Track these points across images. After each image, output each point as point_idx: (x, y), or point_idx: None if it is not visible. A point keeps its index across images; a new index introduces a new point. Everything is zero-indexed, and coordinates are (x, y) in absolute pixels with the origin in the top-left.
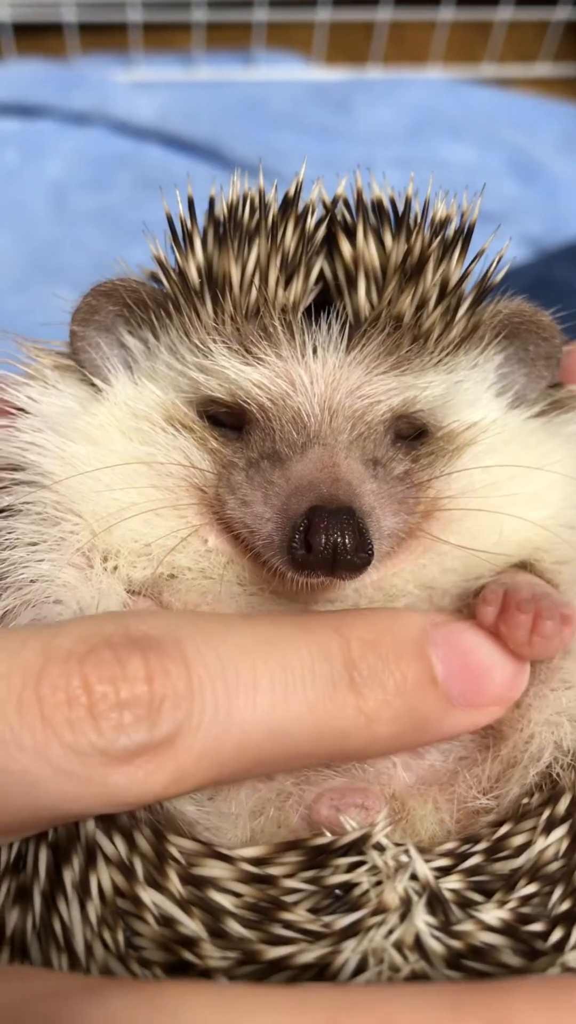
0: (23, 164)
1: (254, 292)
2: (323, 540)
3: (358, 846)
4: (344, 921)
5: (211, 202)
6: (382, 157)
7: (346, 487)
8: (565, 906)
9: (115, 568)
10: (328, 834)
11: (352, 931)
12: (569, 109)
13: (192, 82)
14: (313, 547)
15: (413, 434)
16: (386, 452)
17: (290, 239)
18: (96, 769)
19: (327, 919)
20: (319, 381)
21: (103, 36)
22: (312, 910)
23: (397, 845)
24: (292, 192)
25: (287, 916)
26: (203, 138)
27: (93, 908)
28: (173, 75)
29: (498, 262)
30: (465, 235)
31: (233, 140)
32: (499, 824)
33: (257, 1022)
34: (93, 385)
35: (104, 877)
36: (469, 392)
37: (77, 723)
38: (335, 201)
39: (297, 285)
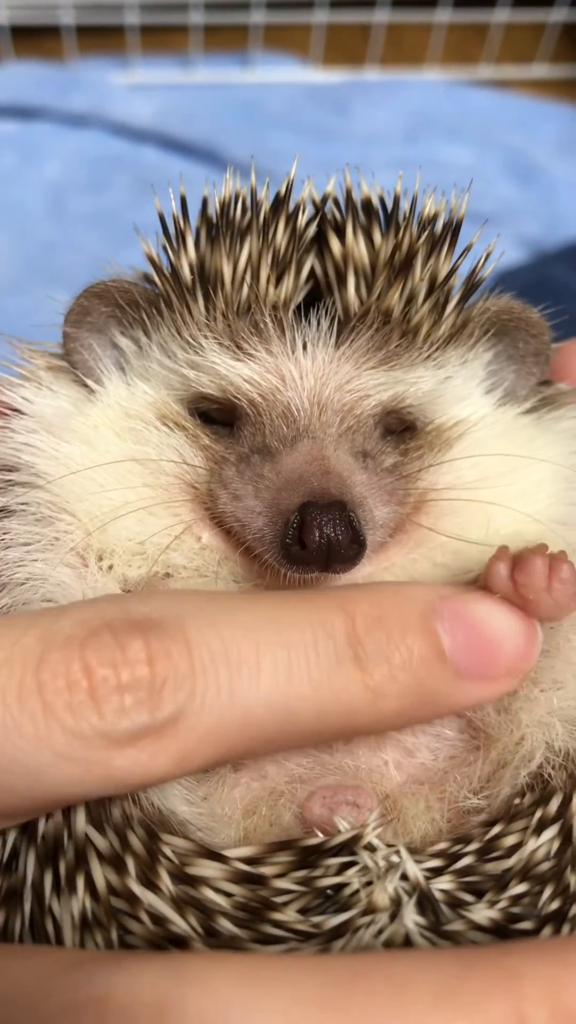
0: (21, 166)
1: (245, 289)
2: (317, 536)
3: (349, 847)
4: (334, 921)
5: (204, 202)
6: (379, 158)
7: (336, 479)
8: (555, 905)
9: (110, 567)
10: (320, 834)
11: (341, 931)
12: (566, 110)
13: (190, 84)
14: (307, 544)
15: (402, 428)
16: (375, 445)
17: (281, 237)
18: (99, 753)
19: (317, 919)
20: (308, 376)
21: (101, 38)
22: (302, 910)
23: (389, 846)
24: (283, 191)
25: (277, 916)
26: (201, 140)
27: (86, 906)
28: (171, 77)
29: (486, 258)
30: (453, 231)
31: (231, 142)
32: (491, 824)
33: (280, 989)
34: (87, 386)
35: (97, 875)
36: (458, 388)
37: (78, 707)
38: (325, 200)
39: (288, 282)
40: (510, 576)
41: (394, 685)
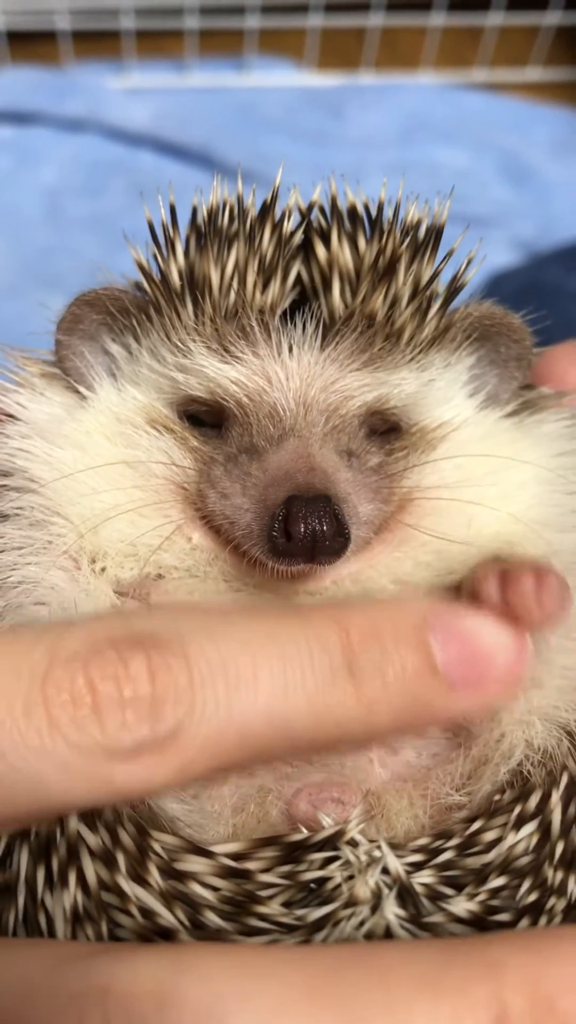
0: (17, 171)
1: (233, 294)
2: (301, 528)
3: (332, 842)
4: (316, 914)
5: (194, 211)
6: (374, 162)
7: (321, 475)
8: (533, 897)
9: (103, 570)
10: (304, 830)
11: (323, 923)
12: (560, 113)
13: (185, 88)
14: (292, 535)
15: (386, 430)
16: (360, 445)
17: (267, 244)
18: (101, 766)
19: (300, 912)
20: (294, 377)
21: (96, 43)
22: (286, 903)
23: (371, 841)
24: (269, 199)
25: (262, 909)
26: (196, 144)
27: (78, 900)
28: (166, 81)
29: (468, 264)
30: (435, 236)
31: (226, 146)
32: (471, 820)
33: (272, 979)
34: (79, 392)
35: (89, 871)
36: (442, 391)
37: (82, 722)
38: (311, 207)
39: (274, 287)
40: (500, 596)
41: (387, 698)
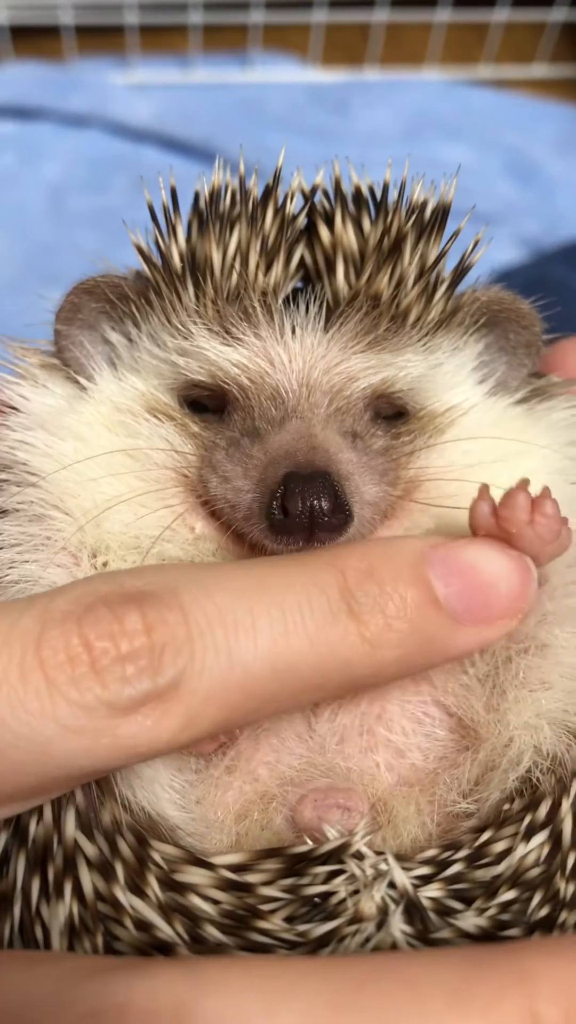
0: (21, 166)
1: (235, 276)
2: (299, 503)
3: (337, 855)
4: (320, 930)
5: (196, 195)
6: (379, 158)
7: (322, 453)
8: (544, 911)
9: (105, 564)
10: (309, 841)
11: (327, 940)
12: (566, 110)
13: (189, 84)
14: (290, 511)
15: (394, 414)
16: (365, 427)
17: (270, 225)
18: (104, 722)
19: (303, 928)
20: (297, 359)
21: (100, 38)
22: (289, 918)
23: (377, 854)
24: (272, 181)
25: (263, 924)
26: (200, 140)
27: (74, 912)
28: (170, 77)
29: (475, 246)
30: (442, 216)
31: (230, 142)
32: (481, 830)
33: (296, 993)
34: (79, 383)
35: (85, 881)
36: (449, 375)
37: (81, 680)
38: (314, 190)
39: (277, 269)
40: (492, 512)
41: (390, 634)
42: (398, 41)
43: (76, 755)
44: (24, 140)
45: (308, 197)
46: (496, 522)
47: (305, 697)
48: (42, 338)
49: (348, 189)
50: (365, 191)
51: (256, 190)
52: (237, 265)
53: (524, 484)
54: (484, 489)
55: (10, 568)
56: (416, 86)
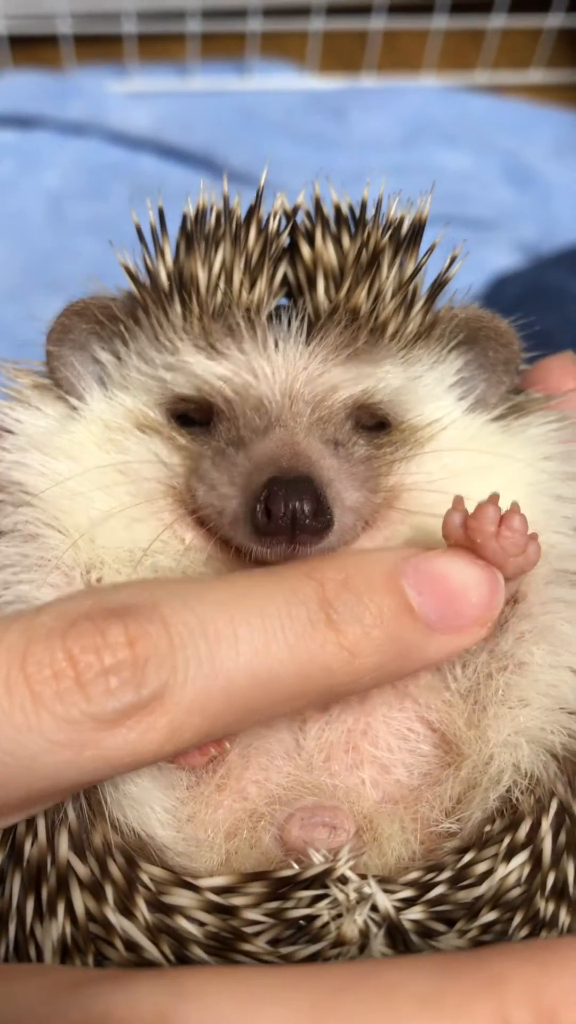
0: (20, 175)
1: (219, 293)
2: (281, 506)
3: (321, 879)
4: (303, 953)
5: (184, 217)
6: (377, 165)
7: (305, 459)
8: (524, 932)
9: (99, 579)
10: (295, 865)
11: (310, 962)
12: (562, 115)
13: (187, 92)
14: (273, 514)
15: (375, 425)
16: (347, 436)
17: (253, 243)
18: (89, 735)
19: (286, 950)
20: (280, 370)
21: (98, 47)
22: (272, 941)
23: (361, 877)
24: (255, 200)
25: (247, 947)
26: (198, 147)
27: (66, 932)
28: (168, 85)
29: (452, 262)
30: (417, 231)
31: (228, 149)
32: (463, 851)
33: (274, 1001)
34: (70, 402)
35: (77, 901)
36: (428, 389)
37: (66, 694)
38: (295, 210)
39: (260, 286)
40: (463, 523)
41: (368, 642)
42: (395, 48)
43: (62, 768)
44: (23, 148)
45: (290, 217)
46: (464, 533)
47: (287, 706)
48: (40, 346)
49: (330, 208)
50: (345, 209)
51: (239, 207)
52: (222, 282)
53: (495, 499)
54: (458, 500)
55: (5, 589)
56: (413, 92)
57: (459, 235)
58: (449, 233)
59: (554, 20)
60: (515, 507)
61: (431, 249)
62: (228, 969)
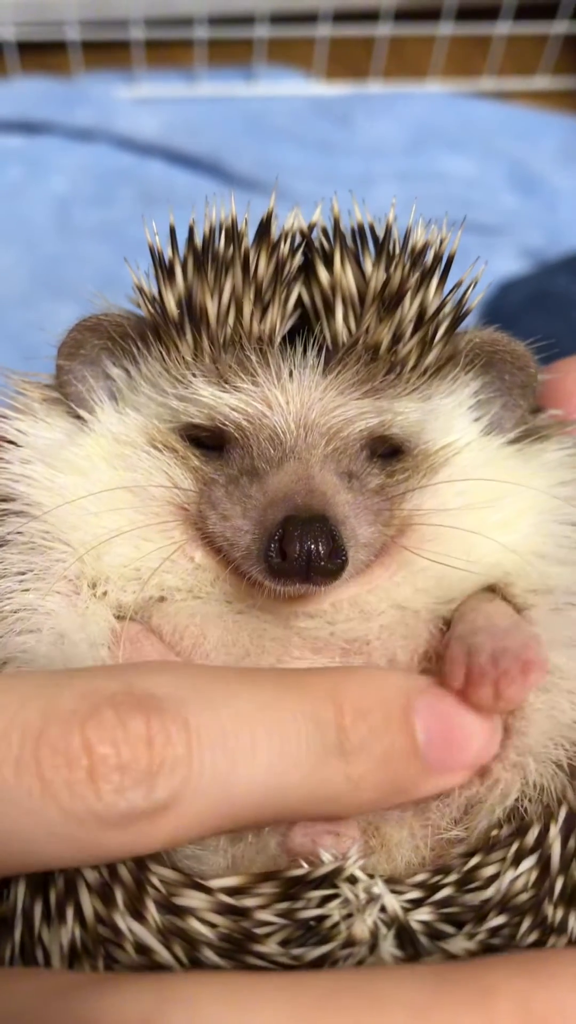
0: (28, 180)
1: (229, 326)
2: (297, 547)
3: (331, 879)
4: (314, 953)
5: (191, 231)
6: (383, 171)
7: (320, 496)
8: (533, 937)
9: (104, 594)
10: (304, 864)
11: (321, 963)
12: (568, 121)
13: (194, 98)
14: (288, 554)
15: (388, 452)
16: (361, 467)
17: (264, 269)
18: (91, 833)
19: (298, 951)
20: (294, 400)
21: (106, 53)
22: (284, 942)
23: (370, 877)
24: (265, 218)
25: (260, 948)
26: (205, 153)
27: (75, 935)
28: (175, 91)
29: (473, 287)
30: (446, 265)
31: (235, 155)
32: (470, 855)
33: (262, 1008)
34: (79, 417)
35: (86, 904)
36: (445, 416)
37: (76, 786)
38: (311, 227)
39: (273, 314)
40: (463, 689)
41: (372, 778)
42: (401, 54)
43: (58, 857)
44: (31, 154)
45: (306, 235)
46: (466, 695)
47: (285, 817)
48: (48, 356)
49: (347, 225)
50: (366, 228)
51: (248, 227)
52: (231, 314)
53: (492, 666)
54: (459, 655)
55: (9, 597)
56: (419, 99)
57: (464, 241)
58: (453, 237)
59: (560, 27)
60: (509, 661)
61: (457, 285)
62: (216, 975)
